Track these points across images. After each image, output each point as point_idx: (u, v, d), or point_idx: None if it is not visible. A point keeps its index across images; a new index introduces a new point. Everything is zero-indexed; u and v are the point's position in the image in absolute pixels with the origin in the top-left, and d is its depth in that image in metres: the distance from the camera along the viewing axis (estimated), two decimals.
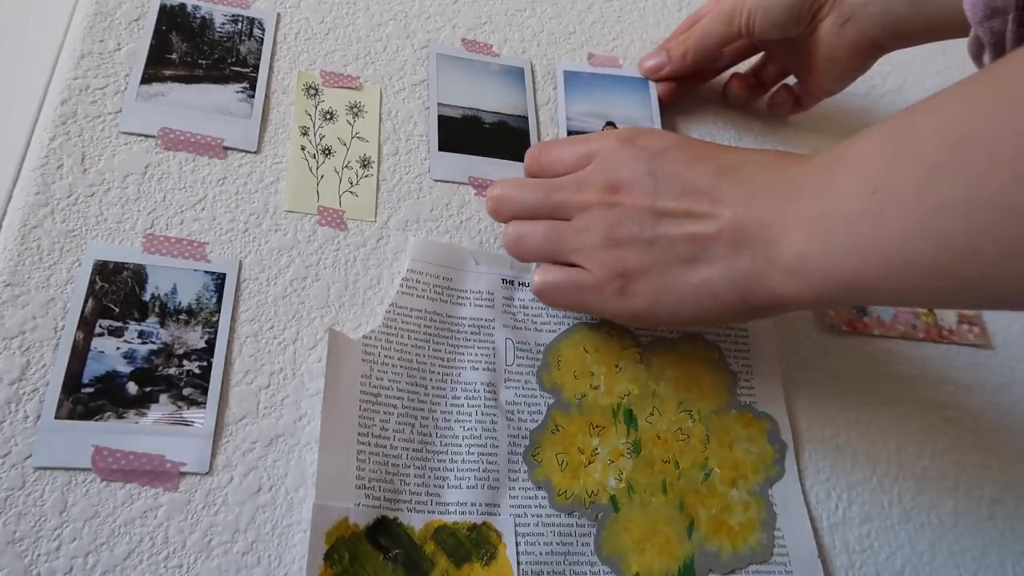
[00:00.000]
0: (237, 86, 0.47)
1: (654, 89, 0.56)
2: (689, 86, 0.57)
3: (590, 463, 0.42)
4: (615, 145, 0.42)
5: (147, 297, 0.39)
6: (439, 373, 0.42)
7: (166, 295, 0.40)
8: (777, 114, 0.58)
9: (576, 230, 0.41)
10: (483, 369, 0.43)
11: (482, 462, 0.41)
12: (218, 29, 0.48)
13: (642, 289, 0.40)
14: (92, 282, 0.39)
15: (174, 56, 0.47)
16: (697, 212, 0.39)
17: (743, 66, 0.58)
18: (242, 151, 0.45)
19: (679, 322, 0.43)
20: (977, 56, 0.42)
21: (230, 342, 0.40)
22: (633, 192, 0.40)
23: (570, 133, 0.53)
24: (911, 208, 0.32)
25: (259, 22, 0.50)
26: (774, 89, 0.58)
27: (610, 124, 0.54)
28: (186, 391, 0.38)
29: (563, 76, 0.55)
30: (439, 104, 0.51)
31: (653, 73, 0.56)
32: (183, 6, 0.48)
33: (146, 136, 0.44)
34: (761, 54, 0.58)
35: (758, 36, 0.52)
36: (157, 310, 0.39)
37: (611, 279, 0.40)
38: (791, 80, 0.58)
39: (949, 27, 0.46)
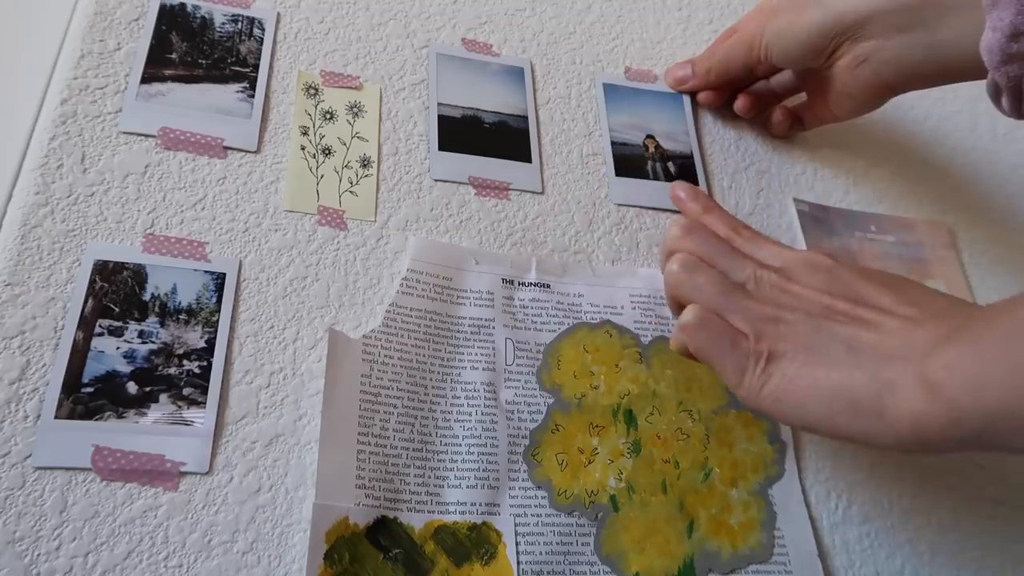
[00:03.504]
0: (237, 86, 0.47)
1: (688, 103, 0.57)
2: (727, 94, 0.57)
3: (590, 463, 0.42)
4: (800, 251, 0.43)
5: (147, 297, 0.39)
6: (439, 373, 0.42)
7: (166, 295, 0.40)
8: (774, 134, 0.58)
9: (745, 294, 0.41)
10: (483, 369, 0.43)
11: (482, 462, 0.41)
12: (218, 29, 0.48)
13: (782, 370, 0.38)
14: (92, 282, 0.39)
15: (174, 56, 0.47)
16: (866, 320, 0.38)
17: None
18: (242, 151, 0.45)
19: (804, 419, 0.38)
20: (996, 98, 0.42)
21: (230, 342, 0.40)
22: (812, 283, 0.40)
23: (613, 144, 0.54)
24: None
25: (259, 22, 0.50)
26: (773, 110, 0.58)
27: (650, 137, 0.54)
28: (186, 391, 0.38)
29: (603, 89, 0.56)
30: (439, 104, 0.51)
31: (679, 85, 0.57)
32: (183, 6, 0.48)
33: (146, 136, 0.44)
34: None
35: (775, 65, 0.52)
36: (157, 310, 0.39)
37: (760, 349, 0.38)
38: (792, 99, 0.58)
39: (965, 72, 0.46)
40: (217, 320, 0.40)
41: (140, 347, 0.38)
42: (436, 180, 0.49)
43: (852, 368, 0.37)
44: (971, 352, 0.34)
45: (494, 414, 0.42)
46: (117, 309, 0.39)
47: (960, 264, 0.58)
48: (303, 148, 0.47)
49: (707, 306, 0.40)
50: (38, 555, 0.33)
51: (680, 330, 0.40)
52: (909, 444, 0.36)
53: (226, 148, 0.45)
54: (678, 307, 0.42)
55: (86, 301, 0.39)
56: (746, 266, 0.42)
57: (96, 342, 0.38)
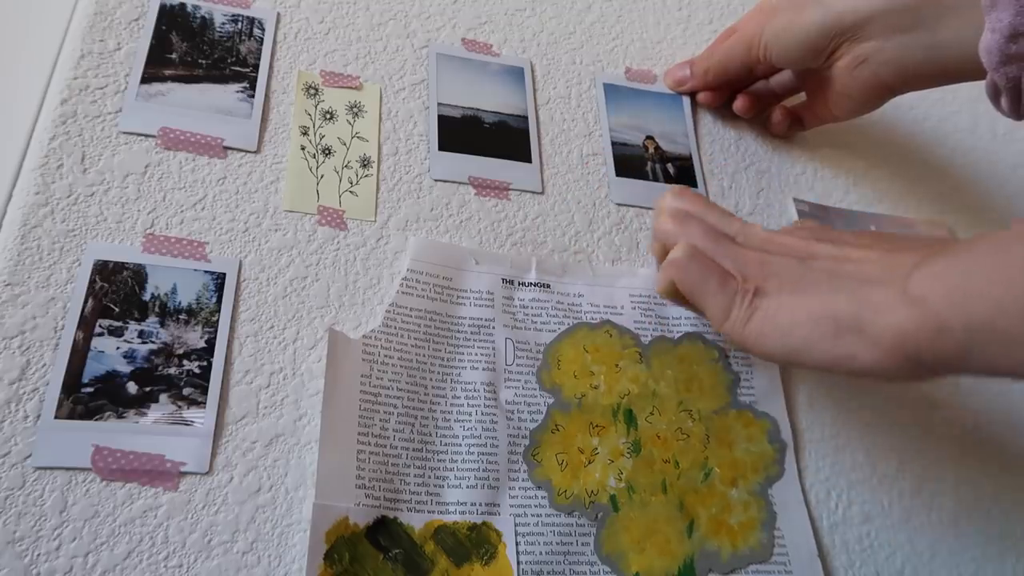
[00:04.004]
0: (237, 86, 0.47)
1: (687, 104, 0.57)
2: (727, 94, 0.58)
3: (590, 463, 0.42)
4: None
5: (147, 297, 0.39)
6: (439, 373, 0.42)
7: (166, 295, 0.40)
8: (774, 133, 0.58)
9: (734, 242, 0.42)
10: (483, 369, 0.43)
11: (482, 462, 0.41)
12: (218, 29, 0.48)
13: (767, 304, 0.38)
14: (92, 282, 0.39)
15: (174, 56, 0.47)
16: (849, 256, 0.39)
17: None
18: (242, 151, 0.45)
19: (787, 346, 0.38)
20: (995, 98, 0.42)
21: (230, 342, 0.40)
22: (797, 234, 0.42)
23: (613, 144, 0.54)
24: None
25: (259, 22, 0.50)
26: (773, 110, 0.58)
27: (649, 138, 0.54)
28: (186, 391, 0.38)
29: (603, 89, 0.56)
30: (439, 104, 0.51)
31: (678, 86, 0.57)
32: (183, 6, 0.48)
33: (146, 136, 0.44)
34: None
35: (774, 65, 0.53)
36: (157, 310, 0.39)
37: (748, 287, 0.39)
38: (792, 99, 0.58)
39: (964, 72, 0.46)
40: (217, 320, 0.40)
41: (140, 347, 0.38)
42: (436, 180, 0.49)
43: (834, 292, 0.37)
44: (956, 265, 0.34)
45: (494, 414, 0.42)
46: (117, 309, 0.39)
47: None
48: (303, 148, 0.47)
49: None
50: (38, 555, 0.33)
51: (668, 266, 0.41)
52: (892, 365, 0.35)
53: (226, 148, 0.45)
54: (665, 254, 0.42)
55: (86, 301, 0.39)
56: (734, 222, 0.43)
57: (96, 342, 0.38)
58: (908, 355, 0.34)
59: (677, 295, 0.41)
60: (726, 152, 0.57)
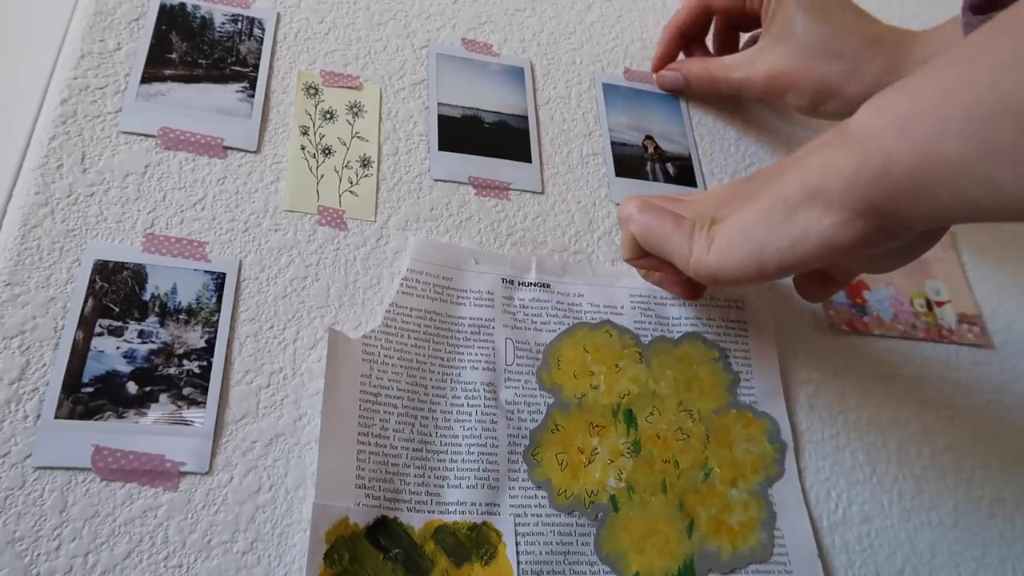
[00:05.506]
0: (237, 86, 0.47)
1: (684, 105, 0.58)
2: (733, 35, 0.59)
3: (590, 463, 0.42)
4: None
5: (147, 297, 0.39)
6: (439, 373, 0.42)
7: (166, 295, 0.40)
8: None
9: (685, 201, 0.43)
10: (483, 369, 0.43)
11: (482, 462, 0.41)
12: (218, 29, 0.48)
13: (725, 227, 0.39)
14: (92, 282, 0.39)
15: (174, 56, 0.47)
16: (794, 154, 0.38)
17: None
18: (242, 151, 0.45)
19: (750, 251, 0.37)
20: None
21: (230, 342, 0.40)
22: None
23: (613, 144, 0.54)
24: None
25: (259, 22, 0.50)
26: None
27: (649, 138, 0.54)
28: (186, 391, 0.38)
29: (602, 89, 0.56)
30: (439, 104, 0.51)
31: (668, 69, 0.58)
32: (183, 6, 0.48)
33: (146, 136, 0.44)
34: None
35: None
36: (157, 310, 0.39)
37: (704, 221, 0.40)
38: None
39: None
40: (217, 320, 0.40)
41: (140, 347, 0.38)
42: (436, 180, 0.49)
43: (780, 179, 0.37)
44: (903, 89, 0.32)
45: (494, 414, 0.42)
46: (117, 309, 0.39)
47: (960, 264, 0.58)
48: (303, 148, 0.47)
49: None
50: (38, 555, 0.33)
51: (624, 223, 0.43)
52: (852, 224, 0.33)
53: (226, 148, 0.45)
54: (632, 246, 0.44)
55: (86, 301, 0.39)
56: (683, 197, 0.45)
57: (96, 342, 0.38)
58: (860, 207, 0.33)
59: (640, 253, 0.43)
60: (726, 152, 0.57)
